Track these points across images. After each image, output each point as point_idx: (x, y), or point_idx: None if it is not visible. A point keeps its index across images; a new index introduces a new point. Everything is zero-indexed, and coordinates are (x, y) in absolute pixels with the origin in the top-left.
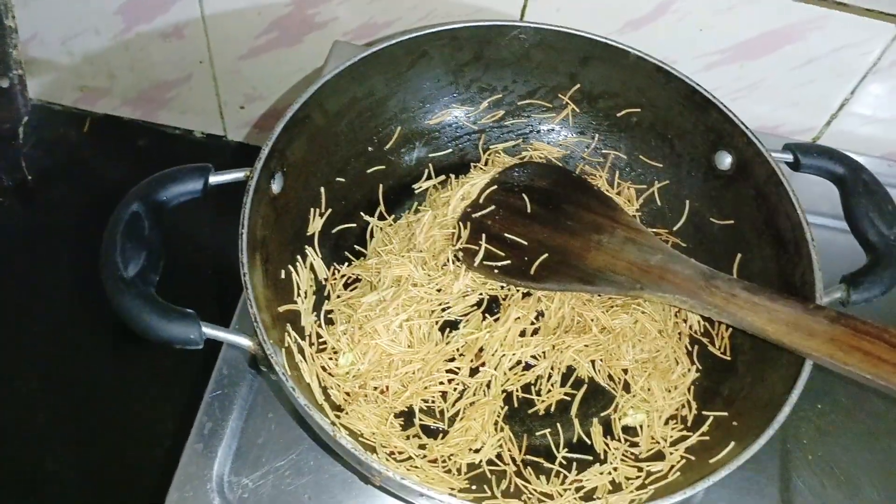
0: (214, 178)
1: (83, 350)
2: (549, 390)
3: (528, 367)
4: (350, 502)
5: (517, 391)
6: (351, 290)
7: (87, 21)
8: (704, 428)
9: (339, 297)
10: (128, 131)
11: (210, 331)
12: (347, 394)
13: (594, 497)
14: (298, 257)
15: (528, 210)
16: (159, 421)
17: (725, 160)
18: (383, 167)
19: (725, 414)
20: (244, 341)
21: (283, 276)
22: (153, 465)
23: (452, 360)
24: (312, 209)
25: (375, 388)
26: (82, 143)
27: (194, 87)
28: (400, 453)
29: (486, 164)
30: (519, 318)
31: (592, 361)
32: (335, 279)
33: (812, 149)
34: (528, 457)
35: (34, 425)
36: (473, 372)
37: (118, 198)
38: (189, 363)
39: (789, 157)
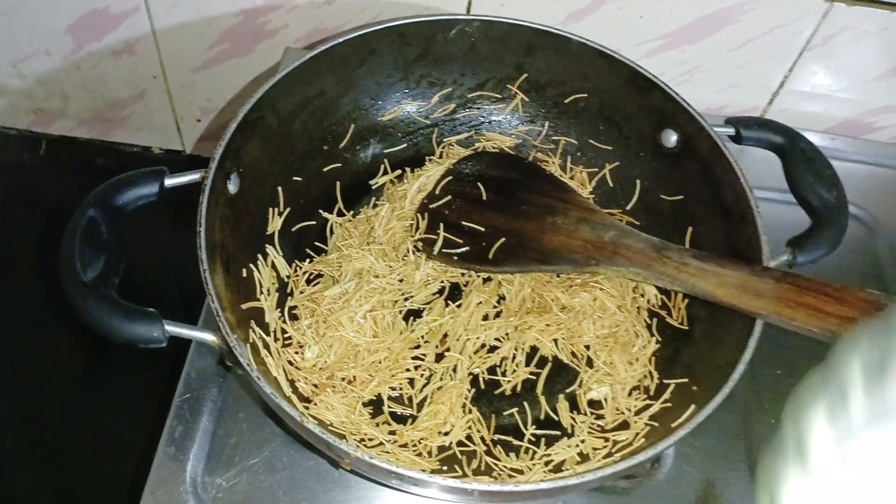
0: (170, 181)
1: (48, 368)
2: (514, 370)
3: (492, 349)
4: (324, 495)
5: (483, 374)
6: (314, 286)
7: (38, 42)
8: (666, 395)
9: (302, 292)
10: (85, 151)
11: (173, 328)
12: (315, 385)
13: (563, 469)
14: (260, 256)
15: (484, 198)
16: (129, 434)
17: (671, 138)
18: (339, 165)
19: (685, 380)
20: (208, 336)
21: (244, 274)
22: (125, 477)
23: (417, 347)
24: (271, 208)
25: (343, 379)
26: (39, 166)
27: (149, 103)
28: (370, 440)
29: (440, 156)
30: (481, 302)
31: (555, 340)
32: (297, 276)
33: (752, 121)
34: (498, 436)
35: (2, 448)
36: (439, 358)
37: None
38: (156, 375)
39: (731, 131)
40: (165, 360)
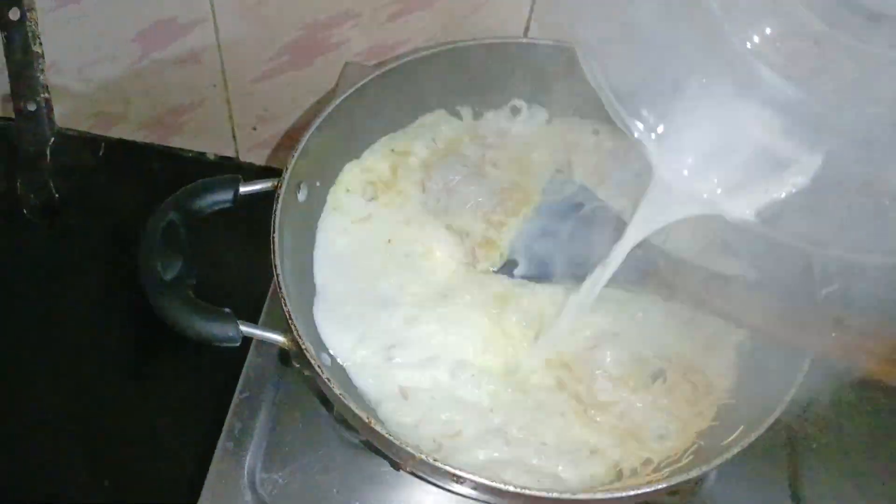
0: (244, 188)
1: (108, 367)
2: None
3: None
4: (376, 494)
5: None
6: None
7: (105, 49)
8: (712, 414)
9: None
10: (142, 155)
11: (247, 329)
12: None
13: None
14: None
15: None
16: (189, 431)
17: None
18: None
19: (733, 401)
20: (278, 337)
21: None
22: (184, 474)
23: None
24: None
25: None
26: (97, 168)
27: (208, 110)
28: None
29: None
30: None
31: None
32: None
33: None
34: None
35: (61, 444)
36: None
37: (133, 221)
38: (213, 375)
39: None
40: (223, 360)
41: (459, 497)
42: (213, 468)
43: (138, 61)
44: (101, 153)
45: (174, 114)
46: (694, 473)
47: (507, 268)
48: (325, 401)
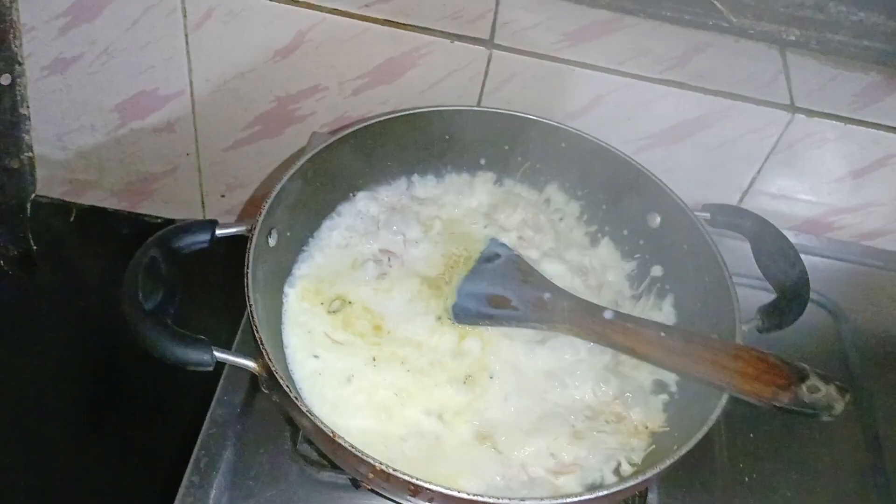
0: (220, 231)
1: (67, 415)
2: None
3: None
4: None
5: None
6: None
7: (85, 118)
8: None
9: None
10: (112, 221)
11: (220, 354)
12: None
13: None
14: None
15: None
16: (154, 466)
17: (655, 220)
18: None
19: (667, 429)
20: (249, 363)
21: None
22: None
23: None
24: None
25: None
26: (69, 232)
27: (179, 178)
28: None
29: None
30: None
31: None
32: None
33: (725, 208)
34: None
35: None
36: None
37: (102, 281)
38: (170, 430)
39: (707, 215)
40: (193, 390)
41: None
42: (178, 500)
43: (115, 130)
44: (72, 219)
45: (146, 181)
46: (631, 483)
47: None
48: (293, 430)
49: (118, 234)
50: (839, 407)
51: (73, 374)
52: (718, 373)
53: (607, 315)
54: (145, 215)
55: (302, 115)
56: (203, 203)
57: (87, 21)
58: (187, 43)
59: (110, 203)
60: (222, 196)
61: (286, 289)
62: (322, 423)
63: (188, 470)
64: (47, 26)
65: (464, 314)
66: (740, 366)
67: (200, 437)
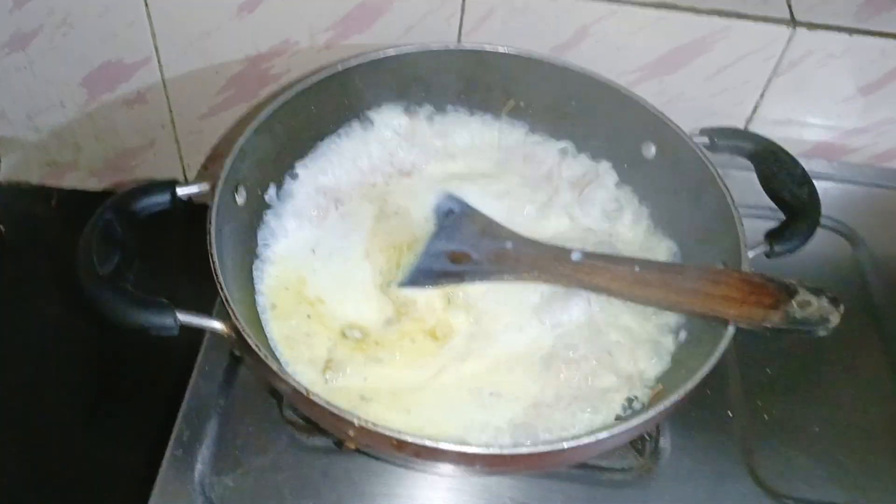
0: (182, 190)
1: (53, 404)
2: None
3: None
4: (329, 493)
5: None
6: None
7: (53, 95)
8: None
9: None
10: (95, 203)
11: (185, 317)
12: None
13: None
14: None
15: None
16: (139, 438)
17: (650, 149)
18: None
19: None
20: (217, 325)
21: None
22: (135, 479)
23: None
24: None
25: None
26: (50, 218)
27: (158, 151)
28: None
29: None
30: None
31: None
32: None
33: (726, 131)
34: None
35: (9, 449)
36: None
37: None
38: (154, 405)
39: (706, 140)
40: (175, 366)
41: (412, 474)
42: (161, 475)
43: (86, 105)
44: (53, 203)
45: (125, 157)
46: (642, 418)
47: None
48: (276, 397)
49: None
50: (834, 319)
51: (56, 357)
52: (701, 301)
53: (575, 256)
54: None
55: (276, 73)
56: (185, 176)
57: None
58: (146, 4)
59: (91, 184)
60: (205, 168)
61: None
62: (295, 381)
63: (170, 444)
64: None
65: (423, 275)
66: (723, 290)
67: (182, 409)
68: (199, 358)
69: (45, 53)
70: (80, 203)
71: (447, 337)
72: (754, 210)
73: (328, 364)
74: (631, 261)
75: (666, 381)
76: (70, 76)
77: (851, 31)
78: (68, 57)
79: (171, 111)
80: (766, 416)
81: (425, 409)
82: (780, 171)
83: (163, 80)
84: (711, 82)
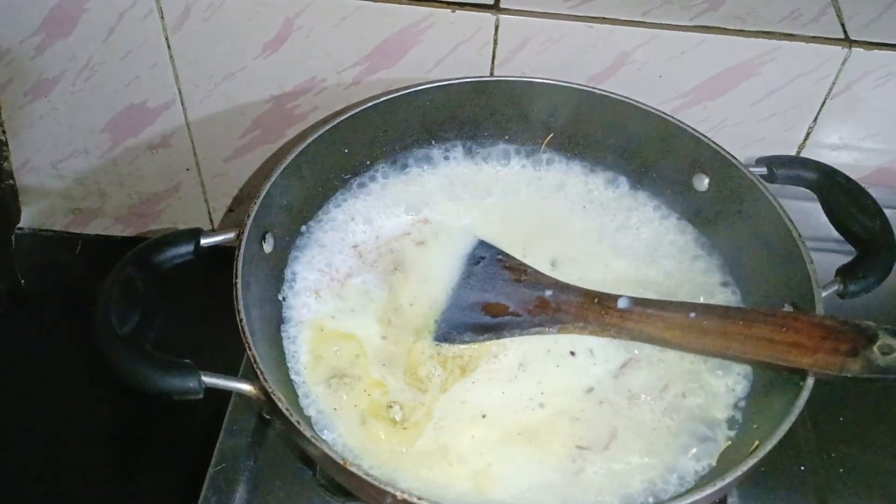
0: (206, 240)
1: (82, 459)
2: None
3: None
4: None
5: None
6: None
7: (77, 142)
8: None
9: None
10: (119, 248)
11: (210, 379)
12: None
13: None
14: None
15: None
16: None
17: (703, 181)
18: None
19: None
20: (245, 386)
21: None
22: None
23: None
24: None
25: None
26: (75, 265)
27: (183, 195)
28: None
29: None
30: None
31: None
32: None
33: (784, 159)
34: None
35: None
36: None
37: None
38: (193, 445)
39: (763, 170)
40: (203, 422)
41: None
42: None
43: (110, 151)
44: (77, 250)
45: (149, 203)
46: (708, 491)
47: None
48: (308, 460)
49: None
50: None
51: (78, 413)
52: (769, 350)
53: (622, 304)
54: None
55: (302, 112)
56: (211, 220)
57: (63, 36)
58: (169, 46)
59: (116, 230)
60: (230, 210)
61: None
62: (330, 449)
63: None
64: (22, 46)
65: (456, 330)
66: (793, 337)
67: (209, 473)
68: (227, 416)
69: (67, 99)
70: (105, 250)
71: None
72: (819, 243)
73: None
74: (686, 306)
75: (734, 436)
76: (93, 122)
77: None
78: (91, 102)
79: (195, 154)
80: (840, 468)
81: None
82: (848, 203)
83: (187, 123)
84: (760, 107)
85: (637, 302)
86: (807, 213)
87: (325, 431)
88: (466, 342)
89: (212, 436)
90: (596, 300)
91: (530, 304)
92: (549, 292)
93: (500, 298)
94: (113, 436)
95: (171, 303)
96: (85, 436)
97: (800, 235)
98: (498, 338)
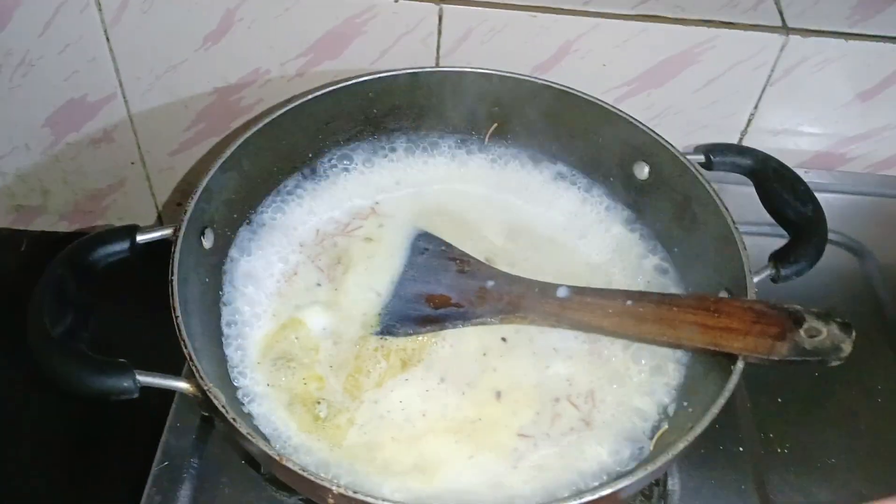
0: (142, 237)
1: (20, 465)
2: None
3: None
4: None
5: None
6: None
7: (17, 138)
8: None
9: None
10: (66, 245)
11: (146, 378)
12: None
13: None
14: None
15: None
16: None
17: (643, 170)
18: None
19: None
20: (182, 384)
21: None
22: None
23: None
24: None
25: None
26: (20, 264)
27: (129, 190)
28: None
29: None
30: None
31: None
32: None
33: (721, 147)
34: None
35: None
36: None
37: None
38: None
39: (701, 158)
40: (148, 422)
41: None
42: None
43: (51, 146)
44: (23, 248)
45: (94, 199)
46: (650, 469)
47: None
48: (249, 458)
49: None
50: (847, 347)
51: (20, 416)
52: (701, 335)
53: (561, 292)
54: None
55: (247, 105)
56: (160, 215)
57: None
58: (108, 39)
59: (61, 227)
60: (178, 204)
61: None
62: (267, 445)
63: None
64: None
65: (399, 322)
66: (724, 321)
67: (152, 472)
68: (171, 413)
69: (4, 95)
70: (51, 246)
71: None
72: (753, 227)
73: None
74: (623, 293)
75: (670, 420)
76: (33, 117)
77: (847, 35)
78: (30, 97)
79: (139, 148)
80: (778, 448)
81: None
82: (782, 189)
83: (129, 117)
84: (702, 94)
85: (576, 291)
86: (745, 198)
87: (254, 404)
88: (409, 334)
89: (159, 431)
90: (536, 289)
91: (473, 295)
92: (490, 283)
93: (443, 290)
94: (55, 437)
95: (112, 301)
96: (25, 439)
97: (734, 222)
98: (441, 329)
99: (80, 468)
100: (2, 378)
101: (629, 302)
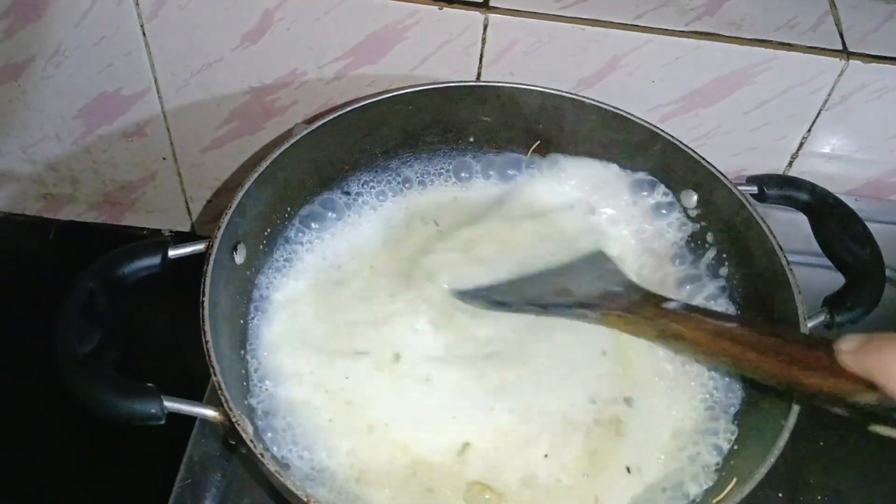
0: (174, 252)
1: (49, 459)
2: None
3: None
4: None
5: None
6: None
7: (48, 127)
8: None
9: None
10: (94, 236)
11: (173, 404)
12: None
13: None
14: None
15: None
16: None
17: (691, 199)
18: None
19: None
20: (209, 412)
21: None
22: None
23: None
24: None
25: None
26: (46, 252)
27: (159, 185)
28: None
29: None
30: None
31: None
32: None
33: (775, 179)
34: None
35: None
36: None
37: None
38: (159, 462)
39: (754, 189)
40: (168, 445)
41: None
42: None
43: (83, 138)
44: (50, 237)
45: (124, 191)
46: None
47: None
48: (267, 482)
49: (102, 249)
50: None
51: (43, 422)
52: (787, 367)
53: (669, 305)
54: (130, 227)
55: (282, 105)
56: (189, 210)
57: (33, 20)
58: (144, 34)
59: (90, 217)
60: (209, 201)
61: None
62: (294, 485)
63: None
64: None
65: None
66: (814, 359)
67: (175, 488)
68: (195, 426)
69: (38, 84)
70: (79, 236)
71: None
72: (803, 256)
73: None
74: (734, 318)
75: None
76: (65, 107)
77: None
78: (63, 88)
79: (171, 144)
80: (819, 496)
81: None
82: (839, 228)
83: (163, 113)
84: (752, 116)
85: (684, 306)
86: (797, 226)
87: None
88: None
89: (182, 449)
90: (648, 296)
91: (593, 293)
92: (619, 289)
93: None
94: (77, 448)
95: (136, 311)
96: (49, 442)
97: (787, 262)
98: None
99: (103, 484)
100: (24, 375)
101: (732, 325)
